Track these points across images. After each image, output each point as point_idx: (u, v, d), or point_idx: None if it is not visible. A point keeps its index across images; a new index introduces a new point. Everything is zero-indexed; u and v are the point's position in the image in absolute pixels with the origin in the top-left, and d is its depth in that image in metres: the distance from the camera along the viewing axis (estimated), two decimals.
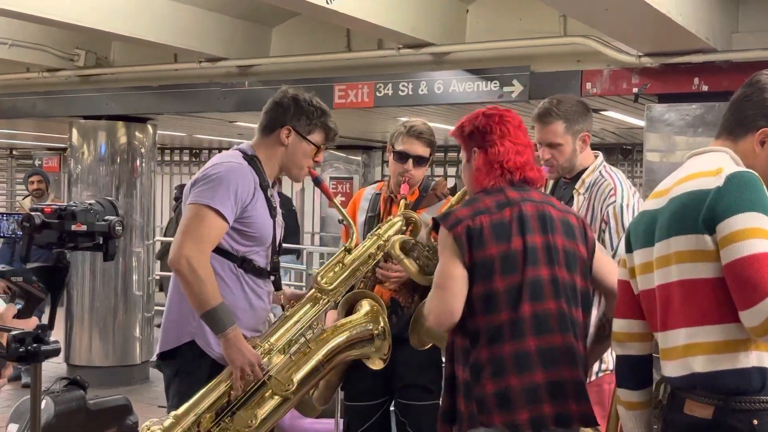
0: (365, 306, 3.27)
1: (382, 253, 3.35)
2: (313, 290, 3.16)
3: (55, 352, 2.30)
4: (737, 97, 2.36)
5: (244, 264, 3.09)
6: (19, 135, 12.97)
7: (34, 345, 2.10)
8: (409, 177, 3.61)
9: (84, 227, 2.34)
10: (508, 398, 2.55)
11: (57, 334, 2.24)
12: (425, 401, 3.72)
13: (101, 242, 2.37)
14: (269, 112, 3.22)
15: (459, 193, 3.27)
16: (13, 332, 2.04)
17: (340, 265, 3.24)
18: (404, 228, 3.44)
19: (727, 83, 5.12)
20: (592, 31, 5.37)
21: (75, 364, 7.94)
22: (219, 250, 3.03)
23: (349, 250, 3.24)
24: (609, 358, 3.28)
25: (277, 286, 3.26)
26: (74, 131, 8.11)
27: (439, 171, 12.67)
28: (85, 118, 8.03)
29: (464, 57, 6.13)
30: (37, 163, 14.27)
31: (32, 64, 7.54)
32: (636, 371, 2.45)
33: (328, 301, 3.19)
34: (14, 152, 16.12)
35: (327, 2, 3.64)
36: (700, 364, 2.16)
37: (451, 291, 2.60)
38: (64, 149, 11.27)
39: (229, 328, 2.90)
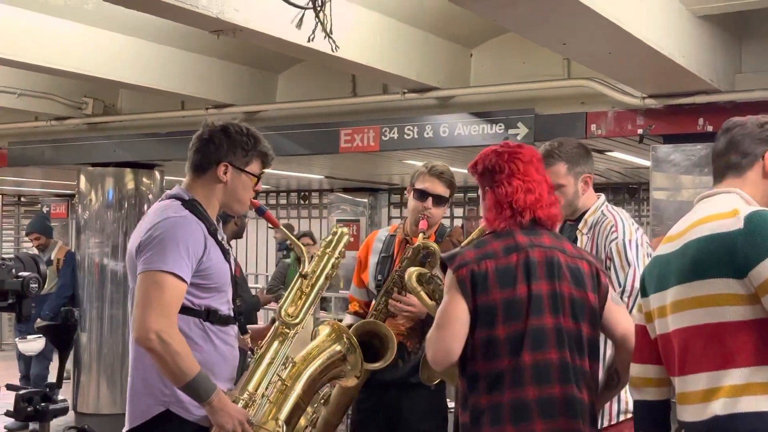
0: (325, 328, 3.21)
1: (336, 271, 3.26)
2: (278, 325, 3.03)
3: (63, 411, 2.28)
4: (728, 140, 2.43)
5: (210, 317, 2.90)
6: (27, 182, 13.01)
7: (42, 404, 2.09)
8: (429, 215, 3.66)
9: None
10: None
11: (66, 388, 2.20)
12: None
13: (14, 301, 2.23)
14: (200, 150, 3.00)
15: (477, 229, 3.26)
16: (21, 392, 2.03)
17: (299, 292, 3.11)
18: (350, 239, 3.33)
19: None
20: (596, 74, 5.40)
21: (83, 412, 7.90)
22: (181, 308, 2.81)
23: (304, 276, 3.12)
24: (630, 400, 3.24)
25: (242, 329, 3.12)
26: (82, 178, 8.16)
27: (457, 211, 12.58)
28: (93, 165, 8.08)
29: (469, 100, 6.17)
30: (45, 209, 14.29)
31: (40, 113, 7.60)
32: (653, 417, 2.43)
33: (296, 333, 3.05)
34: (22, 199, 16.16)
35: (333, 50, 3.65)
36: (720, 407, 2.14)
37: (450, 331, 2.59)
38: (72, 195, 11.31)
39: (212, 395, 2.73)
